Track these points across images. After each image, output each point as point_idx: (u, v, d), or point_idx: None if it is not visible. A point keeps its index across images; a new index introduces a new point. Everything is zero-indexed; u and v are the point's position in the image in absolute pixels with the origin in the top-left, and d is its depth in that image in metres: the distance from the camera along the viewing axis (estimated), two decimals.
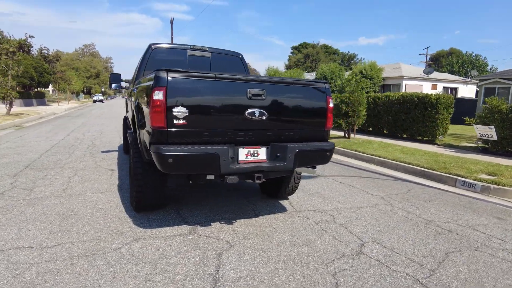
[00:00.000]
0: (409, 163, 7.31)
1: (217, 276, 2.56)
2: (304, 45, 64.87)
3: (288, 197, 4.69)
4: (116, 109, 29.56)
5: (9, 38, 27.03)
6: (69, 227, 3.39)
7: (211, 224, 3.59)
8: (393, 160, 7.71)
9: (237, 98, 3.07)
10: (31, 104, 30.79)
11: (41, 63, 33.62)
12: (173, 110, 2.80)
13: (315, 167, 3.87)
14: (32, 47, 38.12)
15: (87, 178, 5.35)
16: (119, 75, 5.96)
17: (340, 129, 11.27)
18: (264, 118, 3.18)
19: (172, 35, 35.55)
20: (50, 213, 3.77)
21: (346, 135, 10.96)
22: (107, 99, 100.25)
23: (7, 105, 16.09)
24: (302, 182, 5.62)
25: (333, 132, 12.76)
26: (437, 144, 10.08)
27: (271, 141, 3.30)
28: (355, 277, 2.62)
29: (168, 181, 3.71)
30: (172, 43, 5.23)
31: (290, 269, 2.71)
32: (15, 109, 20.70)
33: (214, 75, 2.98)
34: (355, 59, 59.39)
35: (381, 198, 4.91)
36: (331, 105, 3.57)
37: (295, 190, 4.46)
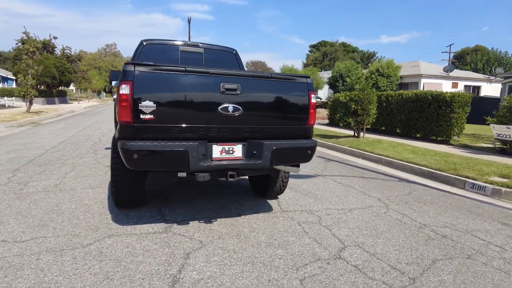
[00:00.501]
0: (416, 164, 6.97)
1: (178, 276, 2.46)
2: (322, 43, 63.93)
3: (278, 196, 4.54)
4: None
5: (34, 39, 28.05)
6: (48, 222, 3.39)
7: (189, 222, 3.50)
8: (401, 160, 7.38)
9: (209, 92, 2.96)
10: (53, 102, 31.97)
11: (63, 62, 34.80)
12: (140, 104, 2.72)
13: (298, 166, 3.70)
14: (56, 47, 39.61)
15: (82, 174, 5.40)
16: (119, 72, 5.98)
17: (350, 128, 10.95)
18: (239, 114, 3.05)
19: (189, 34, 35.94)
20: (35, 207, 3.81)
21: (356, 134, 10.62)
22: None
23: (27, 103, 16.74)
24: (298, 182, 5.44)
25: (342, 131, 12.44)
26: (451, 145, 9.58)
27: (247, 138, 3.17)
28: (324, 283, 2.45)
29: (148, 177, 3.65)
30: (164, 39, 5.18)
31: (257, 272, 2.57)
32: (37, 107, 21.52)
33: (184, 68, 2.88)
34: (374, 58, 57.89)
35: (378, 199, 4.67)
36: (313, 101, 3.39)
37: (283, 190, 4.30)
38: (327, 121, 17.38)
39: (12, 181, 4.88)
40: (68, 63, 40.09)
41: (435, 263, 2.84)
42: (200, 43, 5.23)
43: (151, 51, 4.92)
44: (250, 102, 3.11)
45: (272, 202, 4.31)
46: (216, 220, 3.59)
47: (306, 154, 3.34)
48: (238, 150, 3.14)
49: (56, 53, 40.11)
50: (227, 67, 5.26)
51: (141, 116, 2.74)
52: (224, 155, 3.07)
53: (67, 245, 2.89)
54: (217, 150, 3.05)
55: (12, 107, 22.34)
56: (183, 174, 3.05)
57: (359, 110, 9.87)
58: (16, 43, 32.25)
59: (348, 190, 5.11)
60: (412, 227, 3.67)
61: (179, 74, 2.86)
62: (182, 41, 5.13)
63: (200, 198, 4.35)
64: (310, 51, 67.29)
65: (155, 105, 2.76)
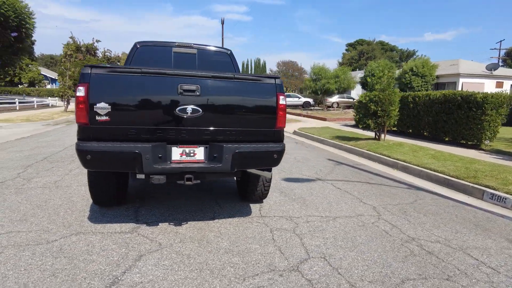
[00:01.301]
0: (433, 170, 6.42)
1: (119, 278, 2.44)
2: (359, 42, 61.74)
3: (264, 200, 4.39)
4: None
5: (71, 43, 30.13)
6: (29, 217, 3.56)
7: (159, 224, 3.49)
8: (417, 165, 6.85)
9: (166, 94, 2.91)
10: None
11: (104, 64, 37.02)
12: (95, 106, 2.75)
13: (270, 170, 3.54)
14: (98, 50, 42.29)
15: (84, 172, 5.63)
16: None
17: (371, 130, 10.41)
18: (199, 115, 2.96)
19: (222, 35, 36.54)
20: (27, 202, 4.02)
21: (377, 137, 10.07)
22: None
23: (65, 103, 18.02)
24: (292, 186, 5.24)
25: (365, 133, 11.87)
26: (482, 150, 8.72)
27: (209, 140, 3.08)
28: None
29: (124, 178, 3.69)
30: (158, 41, 5.24)
31: (201, 279, 2.48)
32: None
33: (139, 69, 2.86)
34: (414, 56, 54.73)
35: (372, 208, 4.34)
36: (282, 102, 3.21)
37: (266, 194, 4.15)
38: (353, 122, 16.73)
39: (19, 176, 5.22)
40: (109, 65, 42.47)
41: (403, 283, 2.56)
42: (194, 44, 5.20)
43: (144, 53, 4.98)
44: (211, 104, 3.02)
45: (254, 206, 4.18)
46: (187, 223, 3.55)
47: (272, 158, 3.18)
48: (200, 153, 3.06)
49: (98, 55, 42.85)
50: (221, 68, 5.19)
51: (97, 118, 2.77)
52: (184, 158, 3.01)
53: (34, 241, 3.00)
54: (177, 153, 3.00)
55: (55, 106, 24.22)
56: (142, 176, 3.04)
57: (379, 112, 9.34)
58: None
59: (344, 196, 4.82)
60: (396, 240, 3.35)
61: (135, 75, 2.85)
62: (175, 42, 5.15)
63: (184, 199, 4.33)
64: (346, 50, 65.34)
65: (110, 107, 2.77)
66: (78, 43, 30.33)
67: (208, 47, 5.26)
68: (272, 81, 3.22)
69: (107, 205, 3.83)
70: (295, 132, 13.89)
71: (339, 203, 4.49)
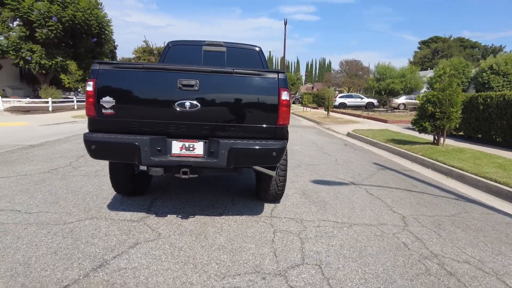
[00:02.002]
0: (495, 180, 5.53)
1: (108, 262, 2.56)
2: (434, 39, 56.26)
3: (281, 201, 4.24)
4: None
5: (151, 46, 32.78)
6: (61, 200, 3.96)
7: (167, 216, 3.59)
8: (476, 174, 5.97)
9: (166, 88, 2.97)
10: None
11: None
12: (101, 100, 2.93)
13: (273, 169, 3.39)
14: None
15: None
16: None
17: (428, 133, 9.39)
18: (197, 110, 2.96)
19: (285, 36, 36.54)
20: (65, 187, 4.49)
21: (435, 141, 9.04)
22: None
23: None
24: (319, 188, 4.97)
25: (424, 137, 10.75)
26: None
27: (209, 135, 3.06)
28: None
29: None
30: (189, 40, 5.41)
31: (180, 272, 2.47)
32: None
33: (141, 65, 2.97)
34: (502, 52, 47.91)
35: (401, 217, 3.89)
36: (284, 98, 3.03)
37: (280, 194, 3.98)
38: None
39: (70, 165, 5.86)
40: None
41: None
42: (224, 42, 5.27)
43: (176, 52, 5.21)
44: (210, 99, 2.99)
45: (268, 206, 4.05)
46: (194, 217, 3.59)
47: (270, 156, 3.02)
48: (199, 148, 3.06)
49: None
50: (249, 66, 5.18)
51: (103, 111, 2.95)
52: (184, 152, 3.04)
53: (54, 221, 3.33)
54: (176, 146, 3.04)
55: None
56: (144, 168, 3.15)
57: (437, 113, 8.37)
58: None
59: (373, 202, 4.41)
60: (414, 255, 2.94)
61: (138, 71, 2.97)
62: (205, 41, 5.27)
63: (199, 195, 4.40)
64: (419, 47, 60.15)
65: (114, 100, 2.94)
66: (151, 46, 33.21)
67: (237, 45, 5.29)
68: (275, 75, 3.08)
69: (125, 194, 4.07)
70: (348, 134, 13.23)
71: (364, 209, 4.11)
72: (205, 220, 3.51)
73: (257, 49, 5.27)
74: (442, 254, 2.98)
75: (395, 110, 30.28)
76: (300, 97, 45.75)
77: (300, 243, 3.07)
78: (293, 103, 45.83)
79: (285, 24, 36.64)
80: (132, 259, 2.63)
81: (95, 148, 2.93)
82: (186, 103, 2.94)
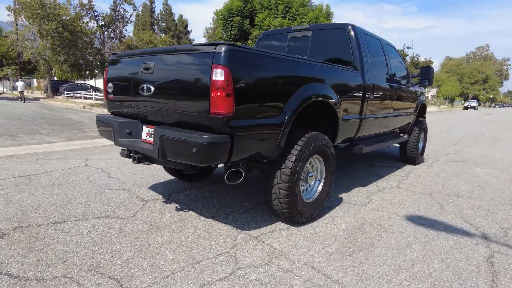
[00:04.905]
0: None
1: (90, 221, 3.11)
2: None
3: (304, 224, 3.24)
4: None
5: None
6: (137, 176, 4.81)
7: (174, 204, 3.66)
8: None
9: (134, 73, 3.06)
10: None
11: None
12: (107, 86, 3.46)
13: (239, 177, 2.83)
14: (407, 55, 41.75)
15: None
16: (430, 68, 5.61)
17: None
18: (151, 94, 2.85)
19: None
20: (149, 169, 5.20)
21: None
22: (494, 106, 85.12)
23: None
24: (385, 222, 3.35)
25: None
26: None
27: (161, 122, 2.87)
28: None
29: None
30: (279, 29, 5.02)
31: (150, 259, 2.49)
32: None
33: (121, 53, 3.37)
34: None
35: (480, 236, 2.04)
36: (219, 78, 2.29)
37: (285, 208, 2.98)
38: None
39: None
40: (416, 69, 40.80)
41: None
42: (311, 25, 4.59)
43: (266, 42, 5.11)
44: (159, 82, 2.80)
45: (279, 221, 3.24)
46: (189, 211, 3.48)
47: (189, 153, 2.40)
48: (154, 135, 2.92)
49: (406, 60, 42.30)
50: (334, 49, 4.36)
51: (109, 95, 3.49)
52: (148, 138, 2.99)
53: (115, 186, 4.23)
54: (145, 132, 3.05)
55: None
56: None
57: None
58: None
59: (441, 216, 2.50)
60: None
61: (126, 58, 3.30)
62: (293, 27, 4.81)
63: (238, 194, 4.12)
64: None
65: (112, 85, 3.39)
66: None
67: (323, 26, 4.61)
68: (210, 49, 2.40)
69: (178, 177, 4.47)
70: None
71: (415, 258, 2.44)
72: (189, 215, 3.33)
73: (347, 28, 4.18)
74: None
75: None
76: None
77: (291, 263, 2.33)
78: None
79: None
80: (101, 230, 2.99)
81: (98, 127, 3.53)
82: (144, 87, 2.92)
